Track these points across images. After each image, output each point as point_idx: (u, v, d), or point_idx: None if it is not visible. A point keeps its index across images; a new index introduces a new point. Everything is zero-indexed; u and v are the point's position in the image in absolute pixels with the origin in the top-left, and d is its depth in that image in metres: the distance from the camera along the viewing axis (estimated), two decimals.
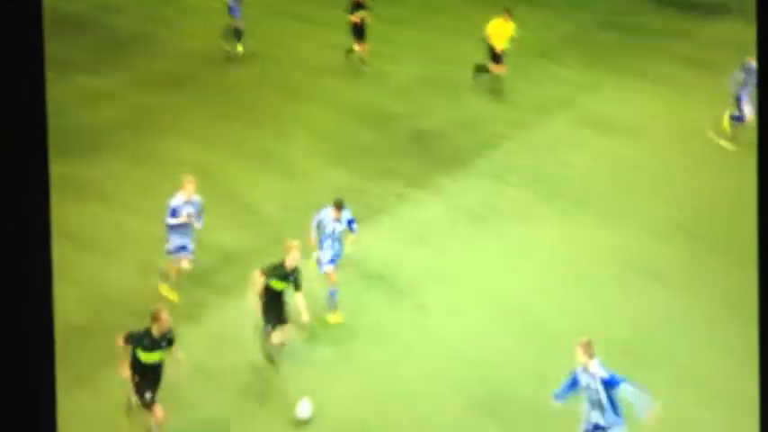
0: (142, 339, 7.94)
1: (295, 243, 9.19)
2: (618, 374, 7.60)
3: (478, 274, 10.89)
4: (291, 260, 9.12)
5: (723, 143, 13.91)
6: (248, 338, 9.42)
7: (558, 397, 8.03)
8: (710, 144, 13.99)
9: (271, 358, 9.41)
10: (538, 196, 12.70)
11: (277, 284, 9.18)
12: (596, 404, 7.76)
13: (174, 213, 10.40)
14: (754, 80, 13.24)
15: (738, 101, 13.97)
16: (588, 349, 7.69)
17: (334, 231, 10.24)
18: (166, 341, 8.09)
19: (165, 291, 10.62)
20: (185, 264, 10.59)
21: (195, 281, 10.76)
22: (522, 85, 15.85)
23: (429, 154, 13.85)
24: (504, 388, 9.04)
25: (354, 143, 14.18)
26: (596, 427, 7.85)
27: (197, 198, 10.48)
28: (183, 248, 10.55)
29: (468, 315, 10.16)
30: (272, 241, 10.98)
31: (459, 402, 8.87)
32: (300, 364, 9.48)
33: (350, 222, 10.28)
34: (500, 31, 15.21)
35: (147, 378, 8.01)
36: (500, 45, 15.18)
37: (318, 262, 10.28)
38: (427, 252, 11.36)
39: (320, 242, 10.33)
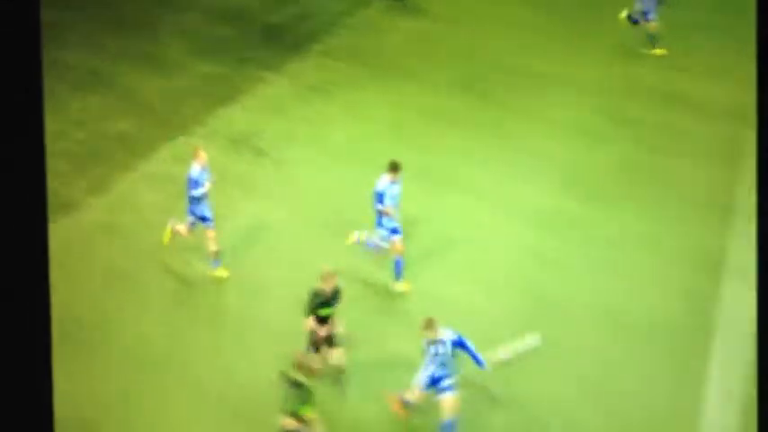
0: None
1: (332, 271, 8.99)
2: (460, 334, 8.44)
3: (321, 131, 14.47)
4: (330, 285, 8.92)
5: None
6: None
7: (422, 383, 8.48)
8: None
9: (337, 382, 9.14)
10: (365, 69, 16.36)
11: (324, 311, 8.96)
12: (441, 363, 8.36)
13: (195, 185, 10.47)
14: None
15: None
16: (431, 324, 8.33)
17: (395, 197, 10.43)
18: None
19: (219, 272, 10.82)
20: (211, 233, 10.74)
21: None
22: None
23: (277, 42, 17.14)
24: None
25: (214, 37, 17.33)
26: (434, 379, 8.42)
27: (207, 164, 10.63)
28: (205, 219, 10.70)
29: (317, 162, 13.68)
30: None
31: None
32: None
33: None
34: None
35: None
36: None
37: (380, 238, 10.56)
38: (282, 119, 14.77)
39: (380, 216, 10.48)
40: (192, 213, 10.70)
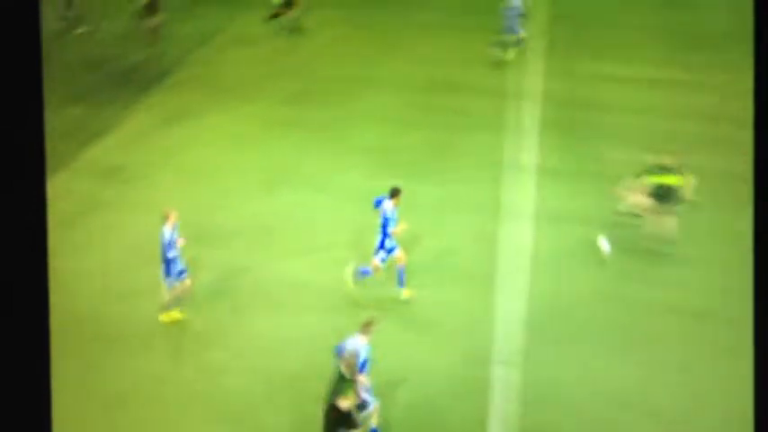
0: None
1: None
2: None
3: (179, 155, 17.00)
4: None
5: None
6: None
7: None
8: None
9: None
10: (213, 94, 19.14)
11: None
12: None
13: (170, 247, 11.12)
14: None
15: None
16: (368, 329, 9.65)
17: (396, 220, 11.80)
18: None
19: (176, 315, 11.64)
20: (188, 282, 11.60)
21: None
22: None
23: (135, 81, 19.69)
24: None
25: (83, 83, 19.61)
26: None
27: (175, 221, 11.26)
28: (182, 272, 11.44)
29: (179, 181, 16.19)
30: None
31: None
32: None
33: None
34: None
35: None
36: None
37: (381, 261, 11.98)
38: (145, 149, 17.24)
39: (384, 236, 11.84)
40: (170, 274, 11.34)
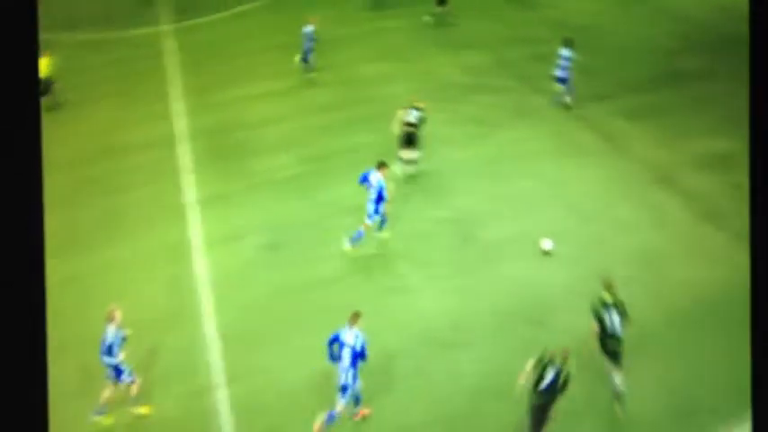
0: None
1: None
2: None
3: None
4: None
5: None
6: None
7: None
8: None
9: None
10: None
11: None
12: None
13: (111, 350, 10.67)
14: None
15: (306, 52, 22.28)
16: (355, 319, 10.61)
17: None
18: None
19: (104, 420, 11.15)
20: (135, 389, 11.20)
21: None
22: None
23: None
24: None
25: None
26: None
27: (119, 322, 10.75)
28: (130, 374, 11.09)
29: None
30: None
31: None
32: None
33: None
34: None
35: None
36: None
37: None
38: None
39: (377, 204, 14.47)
40: (119, 376, 11.01)
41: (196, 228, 16.17)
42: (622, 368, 11.37)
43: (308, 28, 22.64)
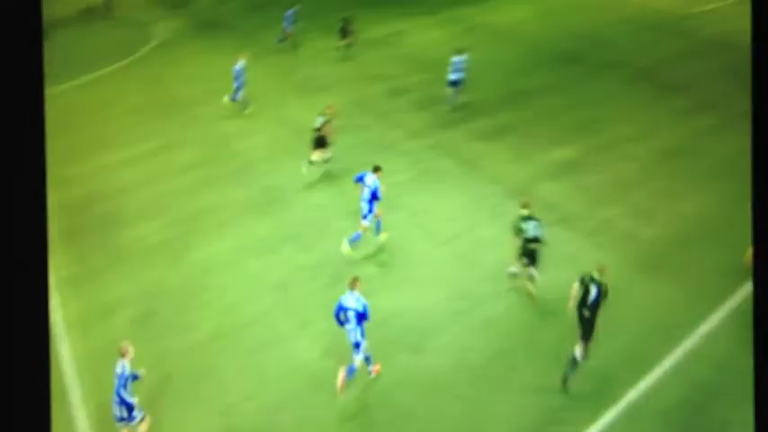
0: None
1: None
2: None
3: None
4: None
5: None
6: None
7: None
8: None
9: None
10: None
11: None
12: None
13: (126, 386, 10.86)
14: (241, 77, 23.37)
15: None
16: (355, 284, 12.40)
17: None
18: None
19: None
20: (146, 425, 11.26)
21: None
22: None
23: None
24: None
25: None
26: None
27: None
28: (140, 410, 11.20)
29: None
30: None
31: None
32: None
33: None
34: None
35: None
36: None
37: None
38: None
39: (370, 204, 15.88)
40: (131, 413, 11.10)
41: (58, 313, 15.54)
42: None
43: (239, 64, 22.99)
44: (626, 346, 13.53)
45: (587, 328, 12.38)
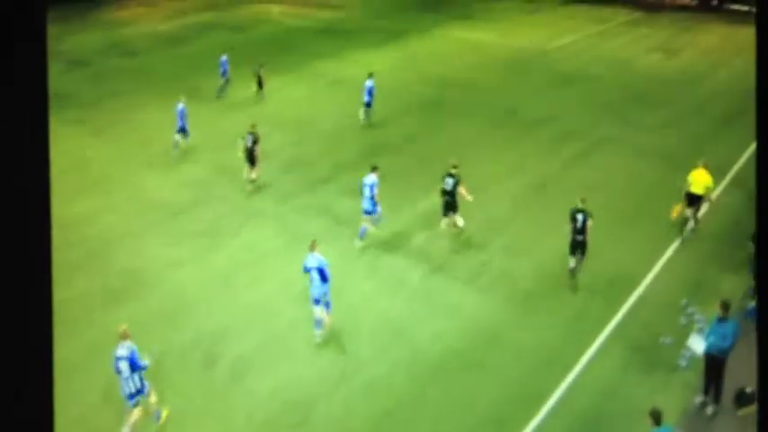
0: None
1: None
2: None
3: None
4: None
5: None
6: None
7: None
8: None
9: None
10: None
11: None
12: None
13: (137, 363, 11.54)
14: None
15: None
16: (313, 246, 14.28)
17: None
18: None
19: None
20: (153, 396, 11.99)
21: None
22: None
23: None
24: None
25: None
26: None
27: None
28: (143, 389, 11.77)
29: None
30: None
31: None
32: None
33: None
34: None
35: None
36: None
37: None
38: None
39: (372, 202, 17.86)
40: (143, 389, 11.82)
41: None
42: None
43: (180, 105, 23.99)
44: (512, 387, 13.15)
45: (582, 248, 15.96)
